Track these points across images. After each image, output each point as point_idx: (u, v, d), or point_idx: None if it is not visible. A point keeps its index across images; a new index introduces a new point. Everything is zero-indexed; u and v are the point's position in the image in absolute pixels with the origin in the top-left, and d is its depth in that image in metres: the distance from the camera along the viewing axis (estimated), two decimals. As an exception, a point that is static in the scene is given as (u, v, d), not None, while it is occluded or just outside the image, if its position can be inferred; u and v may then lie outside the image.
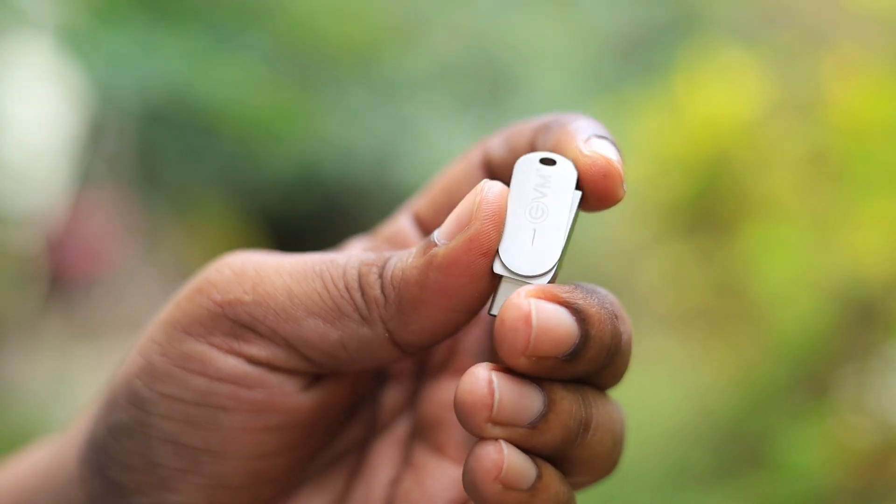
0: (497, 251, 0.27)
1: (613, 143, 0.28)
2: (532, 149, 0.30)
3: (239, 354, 0.28)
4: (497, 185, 0.27)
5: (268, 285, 0.28)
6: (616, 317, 0.27)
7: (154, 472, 0.28)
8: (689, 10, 2.79)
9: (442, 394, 0.32)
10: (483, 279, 0.27)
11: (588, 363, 0.27)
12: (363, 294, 0.28)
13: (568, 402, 0.27)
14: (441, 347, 0.32)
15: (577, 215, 0.29)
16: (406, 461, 0.31)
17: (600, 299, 0.27)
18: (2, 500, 0.33)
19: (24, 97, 2.34)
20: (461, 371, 0.31)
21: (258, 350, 0.28)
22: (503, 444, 0.25)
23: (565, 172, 0.28)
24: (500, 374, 0.26)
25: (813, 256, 1.26)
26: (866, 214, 1.20)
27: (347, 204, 3.10)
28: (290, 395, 0.29)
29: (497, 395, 0.25)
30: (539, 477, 0.26)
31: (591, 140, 0.28)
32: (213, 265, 0.29)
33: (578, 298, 0.26)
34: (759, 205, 1.37)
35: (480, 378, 0.26)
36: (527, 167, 0.29)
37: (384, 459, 0.32)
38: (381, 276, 0.28)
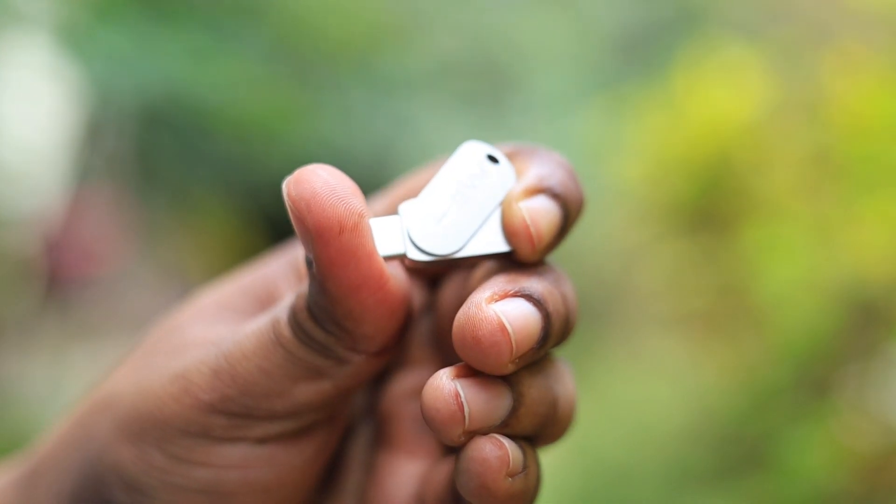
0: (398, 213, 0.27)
1: (563, 204, 0.28)
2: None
3: (245, 440, 0.28)
4: (301, 171, 0.26)
5: (244, 373, 0.27)
6: (557, 281, 0.27)
7: None
8: (690, 7, 2.78)
9: (392, 388, 0.31)
10: (363, 248, 0.26)
11: (554, 339, 0.27)
12: (317, 341, 0.27)
13: (536, 390, 0.26)
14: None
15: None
16: (369, 468, 0.31)
17: (537, 273, 0.27)
18: None
19: (21, 96, 2.34)
20: (412, 363, 0.30)
21: (266, 429, 0.28)
22: (499, 438, 0.25)
23: (504, 177, 0.28)
24: (466, 382, 0.25)
25: (815, 257, 1.25)
26: (869, 214, 1.20)
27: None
28: (298, 463, 0.28)
29: (467, 408, 0.25)
30: (525, 456, 0.26)
31: (536, 196, 0.27)
32: (187, 364, 0.28)
33: (524, 282, 0.26)
34: (761, 204, 1.36)
35: (446, 391, 0.25)
36: (472, 154, 0.29)
37: (353, 465, 0.31)
38: (312, 317, 0.27)
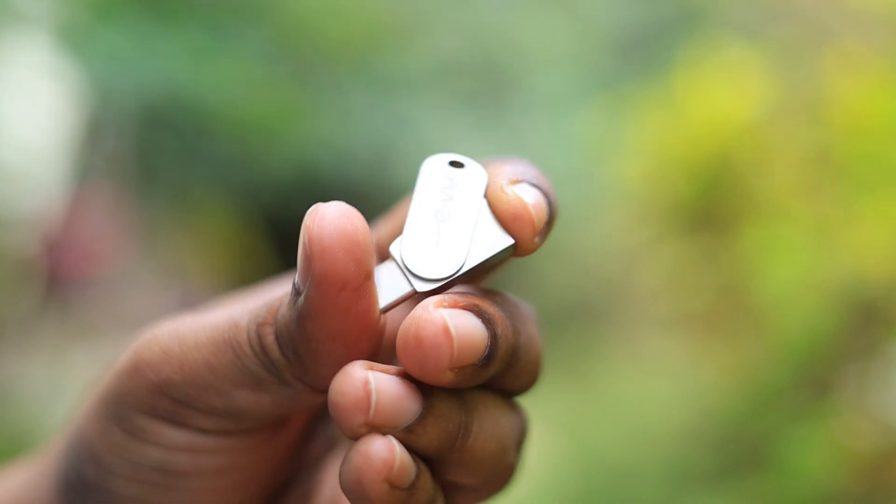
0: (399, 252, 0.26)
1: (544, 193, 0.27)
2: None
3: (188, 427, 0.28)
4: (331, 209, 0.25)
5: (192, 362, 0.27)
6: (512, 314, 0.27)
7: None
8: (690, 7, 2.78)
9: None
10: (357, 309, 0.25)
11: (499, 363, 0.26)
12: (269, 358, 0.27)
13: (447, 405, 0.26)
14: None
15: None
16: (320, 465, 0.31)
17: (495, 300, 0.27)
18: None
19: (21, 96, 2.34)
20: None
21: (205, 422, 0.28)
22: (393, 442, 0.25)
23: (474, 176, 0.28)
24: (379, 374, 0.25)
25: (815, 257, 1.25)
26: (869, 215, 1.20)
27: (347, 203, 3.10)
28: (248, 456, 0.28)
29: (374, 397, 0.25)
30: (418, 476, 0.25)
31: (518, 184, 0.27)
32: (145, 339, 0.28)
33: (477, 300, 0.26)
34: (761, 204, 1.36)
35: (357, 377, 0.25)
36: (436, 168, 0.28)
37: (330, 476, 0.31)
38: (275, 335, 0.27)
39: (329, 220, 0.25)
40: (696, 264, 1.46)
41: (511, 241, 0.27)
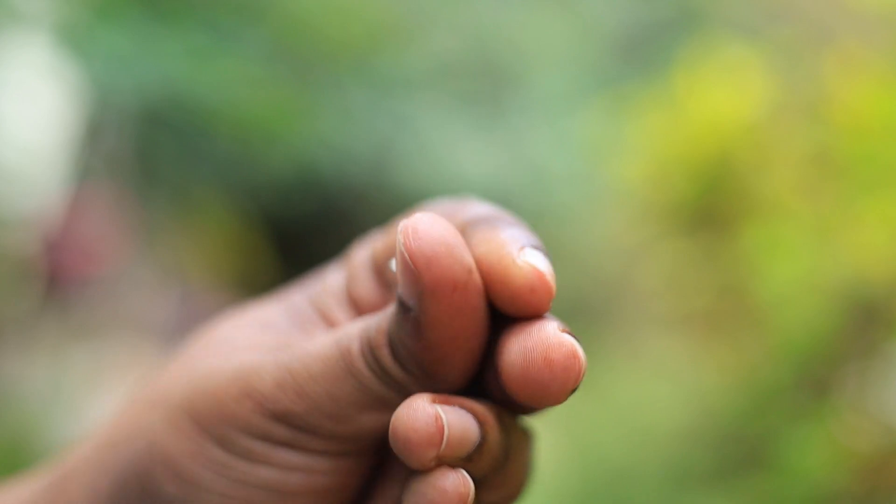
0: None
1: (546, 256, 0.27)
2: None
3: (305, 448, 0.28)
4: (420, 221, 0.26)
5: (312, 394, 0.28)
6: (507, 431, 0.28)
7: None
8: (690, 7, 2.78)
9: None
10: (474, 304, 0.26)
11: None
12: (393, 378, 0.27)
13: (497, 433, 0.27)
14: None
15: None
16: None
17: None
18: None
19: (21, 96, 2.34)
20: None
21: (324, 446, 0.28)
22: (465, 475, 0.26)
23: None
24: (445, 407, 0.26)
25: (816, 257, 1.25)
26: (870, 214, 1.20)
27: (346, 203, 3.10)
28: (359, 472, 0.29)
29: (447, 431, 0.26)
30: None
31: (525, 250, 0.27)
32: (249, 369, 0.28)
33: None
34: (762, 204, 1.37)
35: (428, 412, 0.26)
36: None
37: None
38: (393, 356, 0.27)
39: (422, 230, 0.25)
40: (696, 264, 1.46)
41: None
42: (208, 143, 2.84)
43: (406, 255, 0.25)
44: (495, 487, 0.28)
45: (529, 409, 0.29)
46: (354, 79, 2.88)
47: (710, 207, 1.43)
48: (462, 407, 0.26)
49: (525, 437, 0.29)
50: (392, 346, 0.27)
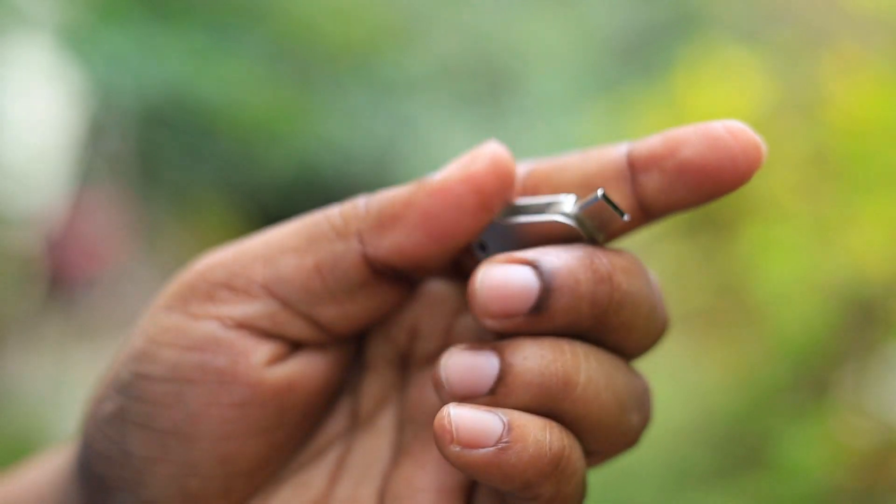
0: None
1: None
2: None
3: (211, 317, 0.28)
4: (503, 147, 0.28)
5: (248, 243, 0.29)
6: (610, 271, 0.27)
7: (129, 463, 0.28)
8: (689, 10, 2.79)
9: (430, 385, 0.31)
10: (470, 215, 0.27)
11: (564, 314, 0.26)
12: (340, 211, 0.29)
13: (524, 358, 0.27)
14: (431, 337, 0.31)
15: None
16: (394, 455, 0.31)
17: (574, 252, 0.27)
18: None
19: (24, 97, 2.35)
20: None
21: (231, 309, 0.28)
22: (456, 407, 0.26)
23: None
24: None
25: (813, 256, 1.26)
26: (867, 214, 1.20)
27: (348, 203, 3.10)
28: (256, 367, 0.28)
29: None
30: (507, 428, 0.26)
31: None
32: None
33: (534, 254, 0.27)
34: (760, 205, 1.37)
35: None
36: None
37: (370, 453, 0.31)
38: (367, 199, 0.29)
39: (502, 150, 0.28)
40: (695, 264, 1.46)
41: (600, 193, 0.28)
42: (210, 144, 2.85)
43: (483, 148, 0.28)
44: (574, 421, 0.27)
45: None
46: (356, 80, 2.88)
47: (709, 208, 1.43)
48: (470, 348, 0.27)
49: (612, 371, 0.28)
50: (373, 196, 0.29)
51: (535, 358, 0.26)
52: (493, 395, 0.26)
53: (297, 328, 0.29)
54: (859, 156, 1.23)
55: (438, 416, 0.26)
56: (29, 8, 2.16)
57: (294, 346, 0.29)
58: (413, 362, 0.32)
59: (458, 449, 0.25)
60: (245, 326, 0.28)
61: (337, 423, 0.31)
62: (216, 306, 0.28)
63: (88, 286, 2.58)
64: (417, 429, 0.30)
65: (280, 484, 0.30)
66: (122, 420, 0.28)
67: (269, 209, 2.97)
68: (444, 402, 0.26)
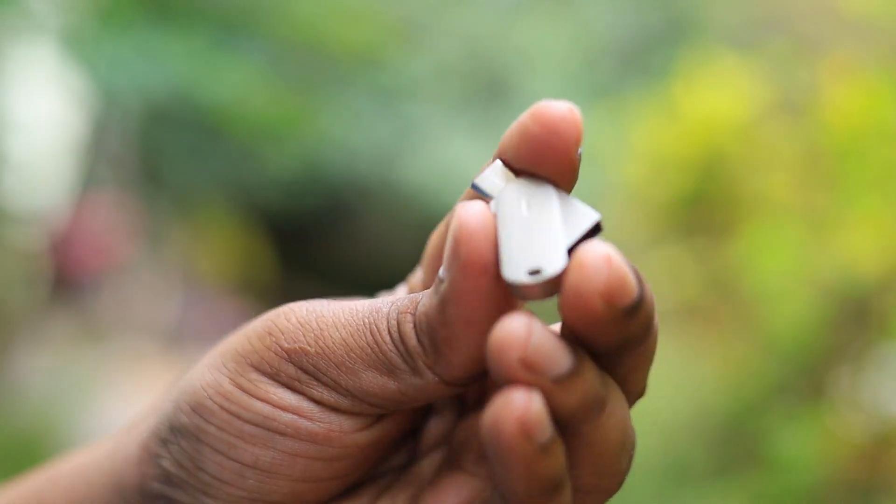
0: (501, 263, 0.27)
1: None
2: None
3: (303, 393, 0.29)
4: (473, 204, 0.27)
5: (328, 339, 0.29)
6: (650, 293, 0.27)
7: (198, 476, 0.30)
8: (685, 16, 2.80)
9: (474, 422, 0.32)
10: (494, 296, 0.27)
11: (640, 324, 0.27)
12: (405, 346, 0.29)
13: (591, 370, 0.27)
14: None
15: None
16: (431, 481, 0.32)
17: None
18: (74, 472, 0.35)
19: (29, 99, 2.35)
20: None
21: (321, 394, 0.29)
22: (534, 393, 0.25)
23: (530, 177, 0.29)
24: (539, 323, 0.26)
25: (807, 255, 1.26)
26: (859, 214, 1.21)
27: (351, 204, 3.10)
28: (349, 433, 0.30)
29: (534, 337, 0.25)
30: (553, 440, 0.26)
31: None
32: (280, 311, 0.30)
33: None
34: (755, 205, 1.38)
35: (520, 318, 0.26)
36: (492, 182, 0.29)
37: (413, 480, 0.32)
38: (414, 324, 0.29)
39: (474, 210, 0.27)
40: (691, 263, 1.47)
41: (596, 218, 0.28)
42: (214, 145, 2.85)
43: (456, 224, 0.27)
44: (585, 447, 0.27)
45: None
46: (358, 82, 2.88)
47: (705, 208, 1.44)
48: (559, 332, 0.27)
49: (625, 406, 0.28)
50: (416, 315, 0.28)
51: (592, 370, 0.27)
52: (557, 383, 0.26)
53: (383, 412, 0.30)
54: (852, 157, 1.24)
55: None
56: (33, 11, 2.17)
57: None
58: (467, 402, 0.33)
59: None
60: (333, 407, 0.29)
61: (397, 458, 0.33)
62: (304, 387, 0.29)
63: (93, 285, 2.58)
64: (454, 458, 0.32)
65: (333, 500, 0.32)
66: (199, 440, 0.30)
67: (273, 209, 2.98)
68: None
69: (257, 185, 2.89)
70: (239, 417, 0.29)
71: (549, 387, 0.26)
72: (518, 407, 0.25)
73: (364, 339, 0.29)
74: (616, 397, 0.28)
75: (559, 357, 0.26)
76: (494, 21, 3.17)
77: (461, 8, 3.17)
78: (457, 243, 0.27)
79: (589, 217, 0.28)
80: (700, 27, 2.46)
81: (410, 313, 0.29)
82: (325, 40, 2.63)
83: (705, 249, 1.45)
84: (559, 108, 0.28)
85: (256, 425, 0.29)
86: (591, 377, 0.27)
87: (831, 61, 1.36)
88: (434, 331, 0.28)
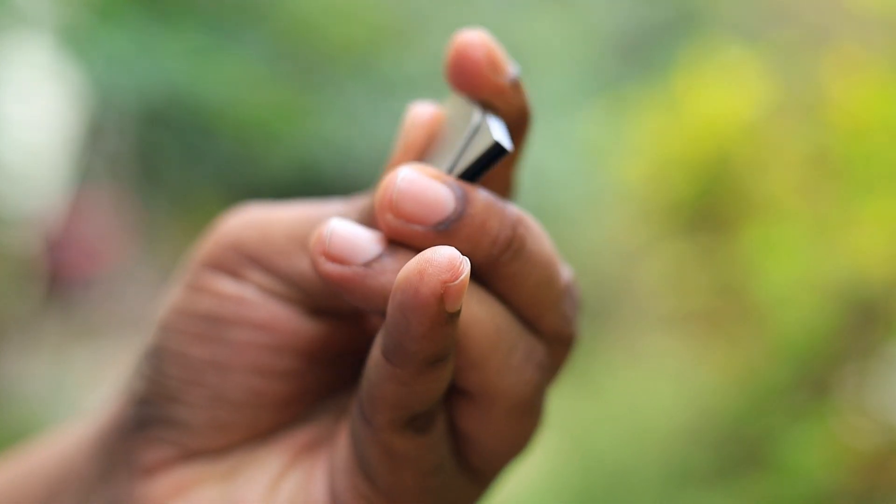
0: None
1: None
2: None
3: (245, 280, 0.31)
4: (424, 104, 0.30)
5: (272, 228, 0.31)
6: (513, 216, 0.28)
7: (166, 384, 0.31)
8: (690, 10, 2.79)
9: None
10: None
11: (464, 242, 0.27)
12: None
13: (479, 202, 0.28)
14: None
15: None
16: None
17: (493, 196, 0.28)
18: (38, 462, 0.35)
19: (24, 97, 2.35)
20: None
21: (262, 279, 0.31)
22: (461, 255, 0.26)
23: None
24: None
25: (814, 257, 1.26)
26: (867, 214, 1.20)
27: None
28: (292, 319, 0.31)
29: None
30: (458, 313, 0.26)
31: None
32: (231, 212, 0.32)
33: (457, 182, 0.28)
34: (760, 204, 1.37)
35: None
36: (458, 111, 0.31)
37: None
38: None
39: (424, 109, 0.31)
40: (696, 264, 1.46)
41: (495, 141, 0.28)
42: (209, 143, 2.85)
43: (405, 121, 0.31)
44: (517, 285, 0.28)
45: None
46: (355, 79, 2.89)
47: (710, 207, 1.43)
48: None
49: (535, 233, 0.29)
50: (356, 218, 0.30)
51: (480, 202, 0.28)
52: (456, 221, 0.27)
53: (321, 304, 0.31)
54: (860, 156, 1.23)
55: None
56: (29, 8, 2.16)
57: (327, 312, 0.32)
58: None
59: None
60: (274, 294, 0.31)
61: (355, 379, 0.33)
62: (248, 273, 0.31)
63: (87, 286, 2.58)
64: None
65: (296, 423, 0.32)
66: (161, 349, 0.31)
67: (269, 208, 2.98)
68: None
69: (254, 184, 2.90)
70: (192, 316, 0.31)
71: (434, 236, 0.27)
72: (446, 263, 0.25)
73: (303, 229, 0.30)
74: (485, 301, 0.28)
75: (361, 247, 0.27)
76: (494, 16, 3.16)
77: (460, 3, 3.17)
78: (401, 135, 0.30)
79: (485, 141, 0.28)
80: (705, 21, 2.45)
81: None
82: (321, 38, 2.64)
83: (710, 250, 1.44)
84: (468, 35, 0.30)
85: (206, 318, 0.30)
86: (481, 207, 0.28)
87: (838, 56, 1.35)
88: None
